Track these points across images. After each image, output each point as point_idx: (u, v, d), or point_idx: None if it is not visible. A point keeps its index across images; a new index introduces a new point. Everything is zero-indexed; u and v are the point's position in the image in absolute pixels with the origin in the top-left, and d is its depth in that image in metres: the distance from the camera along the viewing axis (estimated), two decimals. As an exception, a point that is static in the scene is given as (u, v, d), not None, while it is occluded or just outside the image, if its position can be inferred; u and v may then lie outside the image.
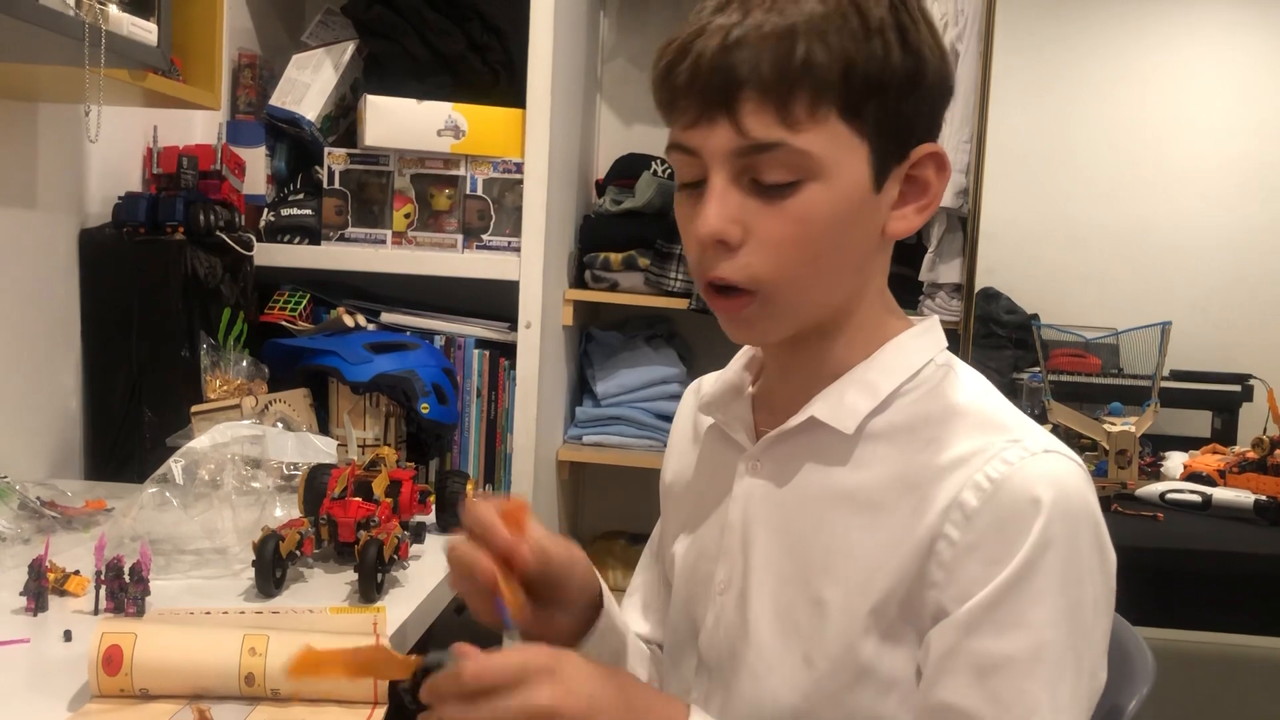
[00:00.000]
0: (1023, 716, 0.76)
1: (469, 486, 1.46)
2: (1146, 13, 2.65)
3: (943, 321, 2.23)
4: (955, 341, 2.25)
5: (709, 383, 1.01)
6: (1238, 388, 2.64)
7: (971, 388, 0.87)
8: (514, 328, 2.01)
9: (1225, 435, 2.60)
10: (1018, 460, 0.79)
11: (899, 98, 0.80)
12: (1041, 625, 0.76)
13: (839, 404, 0.86)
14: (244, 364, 1.75)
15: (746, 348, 0.97)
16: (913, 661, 0.82)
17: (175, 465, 1.27)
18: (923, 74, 0.80)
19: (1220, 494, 2.14)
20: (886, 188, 0.83)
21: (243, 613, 1.10)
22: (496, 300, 2.04)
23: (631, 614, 1.10)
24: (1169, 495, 2.15)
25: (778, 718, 0.86)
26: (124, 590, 1.08)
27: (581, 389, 2.41)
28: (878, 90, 0.79)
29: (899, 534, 0.82)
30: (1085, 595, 0.78)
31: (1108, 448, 2.31)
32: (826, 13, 0.77)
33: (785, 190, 0.79)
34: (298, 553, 1.21)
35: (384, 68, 2.05)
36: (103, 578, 1.08)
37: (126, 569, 1.08)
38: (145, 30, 1.16)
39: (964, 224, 2.19)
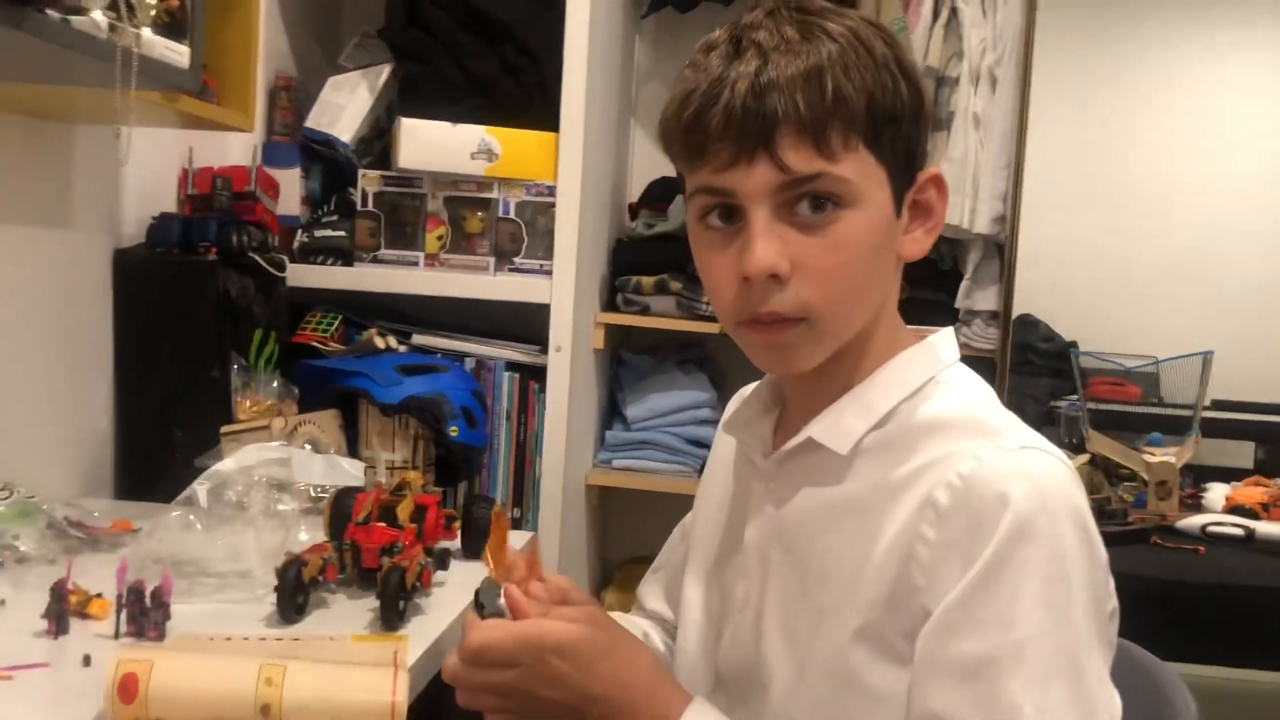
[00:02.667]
0: (1006, 718, 0.74)
1: (494, 510, 1.45)
2: (1188, 37, 2.62)
3: (980, 350, 2.21)
4: (991, 370, 2.22)
5: (747, 393, 1.04)
6: (1281, 418, 2.59)
7: (962, 397, 0.88)
8: (544, 351, 2.00)
9: (1269, 466, 2.54)
10: (990, 457, 0.79)
11: (908, 126, 0.85)
12: (1020, 622, 0.74)
13: (836, 424, 0.88)
14: (274, 385, 1.75)
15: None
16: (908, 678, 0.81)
17: (200, 488, 1.27)
18: (922, 104, 0.86)
19: (1264, 528, 2.09)
20: (902, 213, 0.87)
21: (263, 639, 1.09)
22: (527, 323, 2.03)
23: (654, 590, 1.17)
24: (1210, 528, 2.10)
25: None
26: (145, 615, 1.07)
27: (612, 413, 2.40)
28: (892, 120, 0.83)
29: (876, 537, 0.83)
30: (1072, 595, 0.76)
31: (1147, 478, 2.27)
32: (843, 50, 0.81)
33: (826, 220, 0.82)
34: (320, 578, 1.20)
35: (419, 90, 2.06)
36: (124, 602, 1.08)
37: (148, 593, 1.08)
38: (178, 53, 1.17)
39: (1001, 251, 2.16)
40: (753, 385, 1.05)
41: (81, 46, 1.04)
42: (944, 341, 0.92)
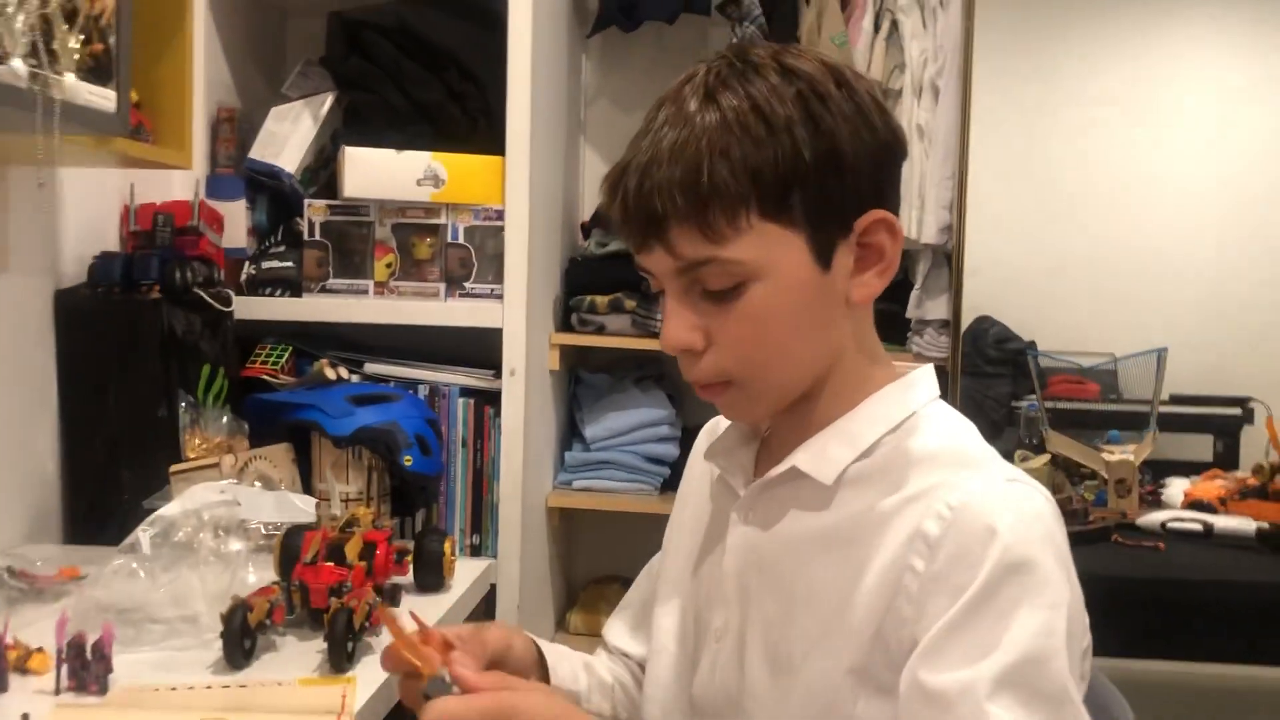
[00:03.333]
0: None
1: (447, 545, 1.44)
2: (1128, 39, 2.65)
3: (931, 357, 2.23)
4: (944, 378, 2.23)
5: (722, 426, 1.04)
6: (1238, 411, 2.62)
7: (944, 431, 0.89)
8: (499, 375, 1.99)
9: (1227, 459, 2.57)
10: (978, 489, 0.81)
11: (823, 182, 0.83)
12: (1007, 649, 0.75)
13: (821, 454, 0.89)
14: (224, 421, 1.73)
15: None
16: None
17: (143, 534, 1.25)
18: (842, 154, 0.83)
19: (1222, 522, 2.11)
20: (837, 263, 0.86)
21: (209, 687, 1.08)
22: (481, 348, 2.02)
23: (619, 628, 1.15)
24: (1170, 524, 2.12)
25: None
26: (86, 669, 1.06)
27: (571, 433, 2.39)
28: (796, 183, 0.83)
29: (864, 568, 0.83)
30: (1057, 624, 0.77)
31: (1107, 477, 2.29)
32: (726, 124, 0.82)
33: (731, 295, 0.84)
34: (268, 621, 1.19)
35: (363, 118, 2.05)
36: (64, 656, 1.06)
37: (89, 646, 1.06)
38: (103, 98, 1.15)
39: (949, 259, 2.17)
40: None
41: (1, 96, 1.02)
42: (925, 378, 0.93)
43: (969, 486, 0.81)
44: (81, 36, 1.11)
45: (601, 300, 2.25)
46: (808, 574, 0.87)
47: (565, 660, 1.07)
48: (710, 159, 0.81)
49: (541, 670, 1.03)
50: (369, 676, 1.13)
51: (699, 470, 1.07)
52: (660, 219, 0.83)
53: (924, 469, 0.85)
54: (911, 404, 0.90)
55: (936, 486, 0.82)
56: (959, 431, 0.90)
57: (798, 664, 0.86)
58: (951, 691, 0.75)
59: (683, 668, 0.99)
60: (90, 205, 1.76)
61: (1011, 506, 0.79)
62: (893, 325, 2.23)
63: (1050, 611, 0.76)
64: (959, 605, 0.76)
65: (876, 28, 2.17)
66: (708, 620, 0.96)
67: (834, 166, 0.83)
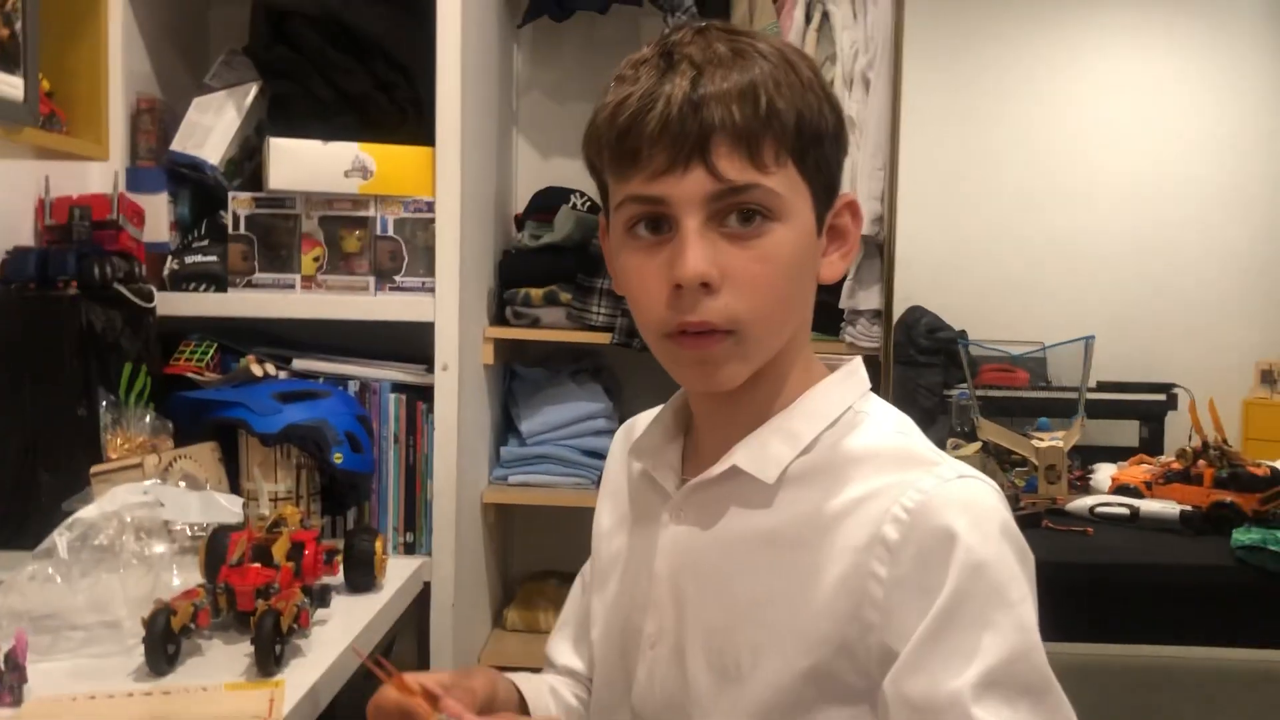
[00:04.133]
0: None
1: (378, 544, 1.42)
2: (1053, 28, 2.69)
3: (864, 348, 2.24)
4: (876, 368, 2.25)
5: (640, 425, 1.01)
6: (1162, 397, 2.67)
7: (886, 427, 0.89)
8: (431, 370, 1.96)
9: (1152, 444, 2.63)
10: (933, 488, 0.80)
11: (830, 148, 0.86)
12: (990, 649, 0.75)
13: (761, 453, 0.87)
14: (147, 420, 1.68)
15: (676, 394, 0.98)
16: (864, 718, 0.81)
17: (60, 538, 1.21)
18: (842, 128, 0.87)
19: (1147, 506, 2.15)
20: (822, 234, 0.88)
21: (130, 695, 1.05)
22: (413, 342, 1.99)
23: (562, 646, 1.11)
24: (1098, 509, 2.16)
25: None
26: (-1, 679, 1.02)
27: (507, 428, 2.37)
28: (816, 140, 0.84)
29: (817, 573, 0.82)
30: (1030, 616, 0.78)
31: (1037, 463, 2.33)
32: (774, 68, 0.83)
33: (755, 232, 0.83)
34: (193, 625, 1.16)
35: (288, 109, 2.00)
36: (-25, 666, 1.03)
37: (1, 655, 1.03)
38: (10, 85, 1.11)
39: (881, 250, 2.19)
40: (645, 414, 1.03)
41: (-102, 83, 0.98)
42: (857, 371, 0.93)
43: (922, 485, 0.80)
44: (-14, 22, 1.06)
45: (536, 293, 2.23)
46: (751, 578, 0.86)
47: (540, 694, 1.04)
48: (768, 86, 0.81)
49: (523, 709, 1.00)
50: (297, 680, 1.11)
51: (617, 471, 1.05)
52: (709, 137, 0.80)
53: (868, 468, 0.84)
54: (848, 398, 0.90)
55: (887, 487, 0.81)
56: (899, 427, 0.89)
57: (746, 671, 0.84)
58: (938, 701, 0.75)
59: (617, 676, 0.97)
60: (2, 198, 1.70)
61: (967, 504, 0.79)
62: (826, 315, 2.24)
63: (1020, 607, 0.77)
64: (932, 614, 0.76)
65: (808, 19, 2.17)
66: (638, 625, 0.93)
67: (836, 136, 0.86)
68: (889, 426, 0.89)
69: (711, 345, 0.84)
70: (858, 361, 0.94)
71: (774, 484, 0.86)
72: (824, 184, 0.86)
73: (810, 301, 0.90)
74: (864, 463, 0.85)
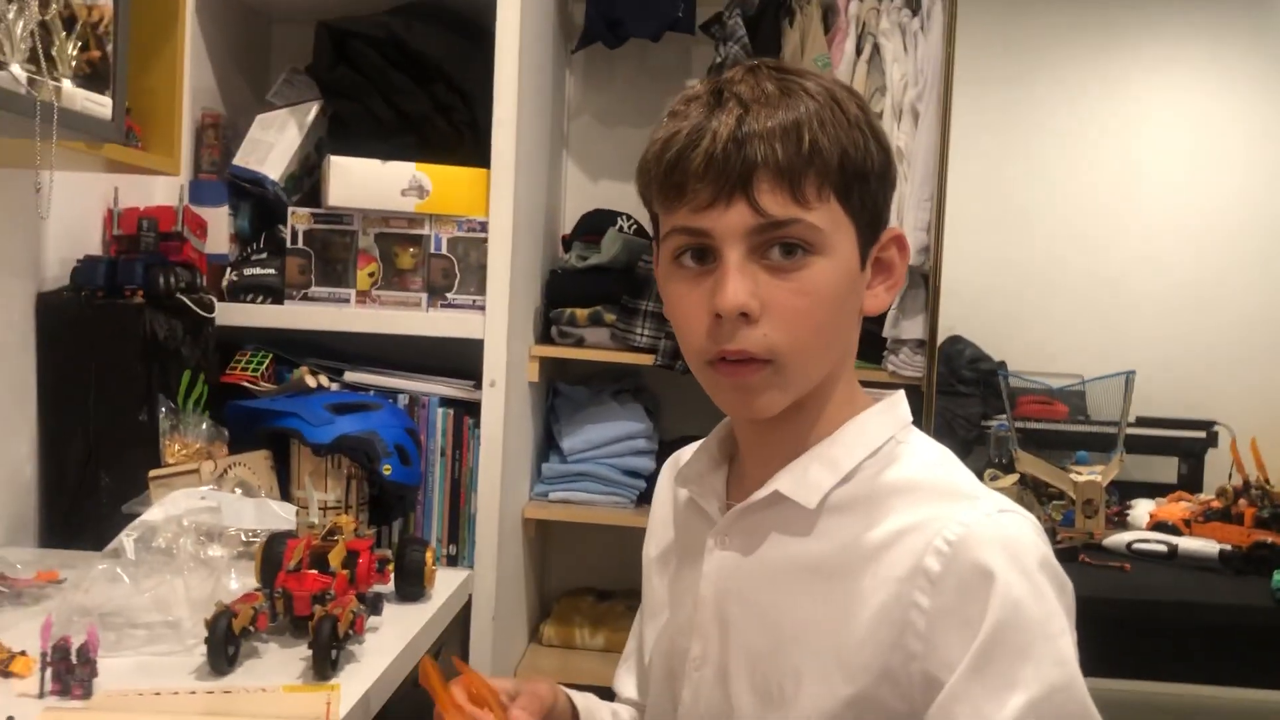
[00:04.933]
0: None
1: (428, 555, 1.45)
2: (1103, 65, 2.70)
3: (906, 377, 2.25)
4: (919, 397, 2.26)
5: (686, 455, 1.04)
6: (1203, 434, 2.66)
7: (927, 459, 0.91)
8: (478, 386, 2.00)
9: (1191, 482, 2.61)
10: (974, 522, 0.82)
11: (876, 185, 0.88)
12: (1032, 681, 0.77)
13: (803, 479, 0.89)
14: (204, 427, 1.73)
15: (722, 424, 1.00)
16: None
17: (127, 539, 1.25)
18: (890, 165, 0.89)
19: (1186, 544, 2.15)
20: (866, 268, 0.90)
21: (193, 693, 1.08)
22: (461, 358, 2.03)
23: (625, 680, 1.14)
24: (1135, 545, 2.16)
25: None
26: (71, 672, 1.06)
27: (548, 445, 2.40)
28: (861, 177, 0.86)
29: (860, 602, 0.84)
30: (1070, 649, 0.79)
31: (1074, 497, 2.33)
32: (820, 108, 0.85)
33: (796, 265, 0.85)
34: (252, 628, 1.20)
35: (348, 128, 2.06)
36: (49, 660, 1.06)
37: (74, 650, 1.07)
38: (99, 104, 1.16)
39: (926, 280, 2.21)
40: (691, 446, 1.06)
41: (1, 102, 1.03)
42: (901, 403, 0.95)
43: (963, 519, 0.82)
44: (79, 43, 1.11)
45: (581, 313, 2.26)
46: (794, 605, 0.88)
47: (596, 713, 1.07)
48: (812, 125, 0.84)
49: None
50: (352, 685, 1.14)
51: (664, 500, 1.08)
52: (752, 172, 0.83)
53: (909, 499, 0.86)
54: (889, 429, 0.92)
55: (929, 520, 0.83)
56: (940, 460, 0.91)
57: (790, 696, 0.86)
58: None
59: (664, 698, 1.00)
60: (73, 209, 1.76)
61: (1007, 540, 0.81)
62: (869, 344, 2.26)
63: (1060, 640, 0.79)
64: (974, 647, 0.78)
65: (859, 51, 2.20)
66: (684, 647, 0.96)
67: (883, 173, 0.88)
68: (930, 459, 0.91)
69: (750, 374, 0.86)
70: (900, 395, 0.96)
71: (815, 511, 0.88)
72: (869, 219, 0.88)
73: (853, 333, 0.92)
74: (905, 494, 0.86)
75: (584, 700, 1.06)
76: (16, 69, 1.03)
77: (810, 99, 0.85)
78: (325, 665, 1.14)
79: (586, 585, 2.52)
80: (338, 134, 2.07)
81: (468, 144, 2.03)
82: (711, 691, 0.92)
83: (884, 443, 0.90)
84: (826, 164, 0.84)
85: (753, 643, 0.90)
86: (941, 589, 0.80)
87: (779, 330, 0.85)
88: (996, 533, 0.81)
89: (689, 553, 0.98)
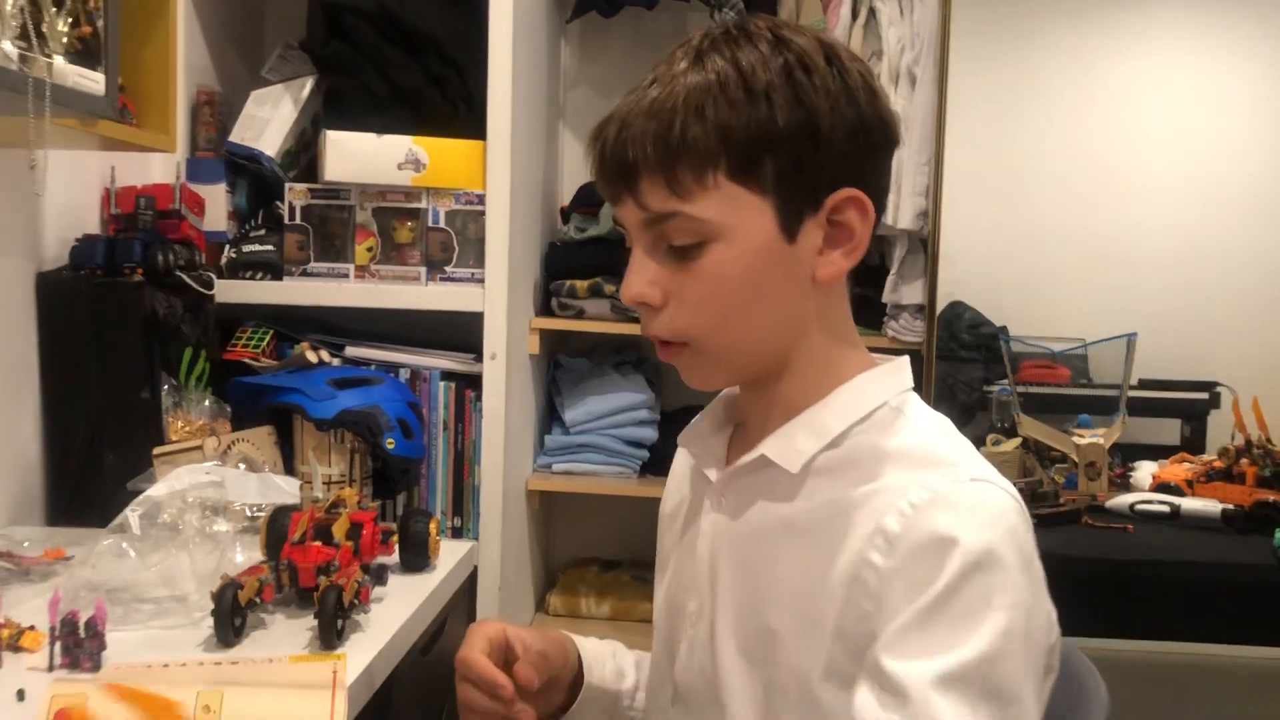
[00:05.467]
0: None
1: (432, 526, 1.46)
2: (1102, 26, 2.68)
3: (906, 342, 2.25)
4: (919, 362, 2.26)
5: (698, 416, 1.05)
6: (1205, 395, 2.66)
7: (918, 428, 0.90)
8: (479, 359, 2.00)
9: (1194, 443, 2.62)
10: (942, 487, 0.81)
11: (796, 153, 0.84)
12: (962, 649, 0.76)
13: (789, 444, 0.90)
14: (206, 404, 1.73)
15: (730, 388, 1.02)
16: None
17: (132, 514, 1.26)
18: (819, 127, 0.84)
19: (1188, 504, 2.15)
20: (804, 237, 0.87)
21: (201, 664, 1.09)
22: (462, 331, 2.04)
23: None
24: (1138, 506, 2.17)
25: None
26: (79, 646, 1.07)
27: (550, 417, 2.41)
28: (767, 149, 0.84)
29: (830, 562, 0.84)
30: (1014, 625, 0.77)
31: (1077, 460, 2.33)
32: (706, 84, 0.84)
33: (692, 253, 0.86)
34: (258, 600, 1.21)
35: (343, 102, 2.05)
36: (58, 634, 1.07)
37: (82, 624, 1.07)
38: (92, 80, 1.16)
39: (925, 245, 2.20)
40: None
41: (-9, 77, 1.03)
42: (900, 369, 0.94)
43: (932, 484, 0.81)
44: (70, 20, 1.11)
45: (581, 285, 2.26)
46: (774, 566, 0.88)
47: (600, 658, 1.09)
48: (685, 114, 0.83)
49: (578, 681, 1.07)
50: (357, 654, 1.15)
51: (681, 459, 1.09)
52: (631, 169, 0.85)
53: (892, 465, 0.85)
54: (882, 395, 0.91)
55: (901, 485, 0.83)
56: (931, 428, 0.90)
57: (766, 657, 0.87)
58: (906, 679, 0.76)
59: (664, 651, 1.01)
60: (71, 188, 1.76)
61: (974, 505, 0.80)
62: (869, 310, 2.26)
63: (1009, 612, 0.77)
64: (921, 603, 0.77)
65: (854, 14, 2.19)
66: (683, 604, 0.98)
67: (809, 138, 0.84)
68: (922, 426, 0.90)
69: (674, 355, 0.91)
70: (901, 361, 0.94)
71: (800, 475, 0.88)
72: (798, 188, 0.85)
73: (799, 306, 0.89)
74: (889, 460, 0.86)
75: (591, 647, 1.09)
76: (7, 45, 1.02)
77: (699, 75, 0.84)
78: (331, 635, 1.15)
79: (592, 555, 2.54)
80: (333, 109, 2.06)
81: (463, 116, 2.02)
82: (703, 648, 0.94)
83: (876, 408, 0.90)
84: (705, 150, 0.83)
85: (737, 602, 0.91)
86: (897, 550, 0.80)
87: (683, 317, 0.87)
88: (963, 499, 0.80)
89: (693, 511, 1.00)
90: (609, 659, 1.10)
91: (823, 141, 0.84)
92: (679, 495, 1.06)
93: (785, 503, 0.89)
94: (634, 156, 0.85)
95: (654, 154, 0.84)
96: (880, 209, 0.90)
